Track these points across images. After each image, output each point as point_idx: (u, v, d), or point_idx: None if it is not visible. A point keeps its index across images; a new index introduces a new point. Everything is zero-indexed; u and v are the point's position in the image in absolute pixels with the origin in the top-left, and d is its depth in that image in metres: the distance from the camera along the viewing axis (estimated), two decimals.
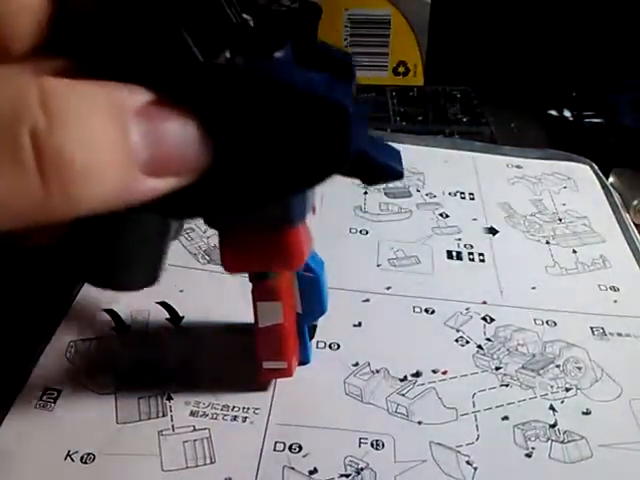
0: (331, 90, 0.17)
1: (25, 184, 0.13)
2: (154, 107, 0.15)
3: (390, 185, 0.39)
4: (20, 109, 0.13)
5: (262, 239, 0.21)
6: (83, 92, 0.14)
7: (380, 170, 0.20)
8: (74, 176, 0.14)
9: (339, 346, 0.28)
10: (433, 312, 0.30)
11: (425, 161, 0.41)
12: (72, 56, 0.18)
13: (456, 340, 0.29)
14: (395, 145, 0.45)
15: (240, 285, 0.25)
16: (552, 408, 0.26)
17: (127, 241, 0.19)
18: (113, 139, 0.14)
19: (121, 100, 0.15)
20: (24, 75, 0.14)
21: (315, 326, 0.26)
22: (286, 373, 0.26)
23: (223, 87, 0.16)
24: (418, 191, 0.38)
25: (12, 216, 0.14)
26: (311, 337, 0.26)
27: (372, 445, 0.24)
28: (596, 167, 0.41)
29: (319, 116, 0.17)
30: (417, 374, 0.27)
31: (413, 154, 0.41)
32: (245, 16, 0.19)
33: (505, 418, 0.25)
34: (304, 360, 0.27)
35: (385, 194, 0.38)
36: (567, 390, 0.27)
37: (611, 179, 0.40)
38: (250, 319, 0.24)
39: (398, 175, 0.20)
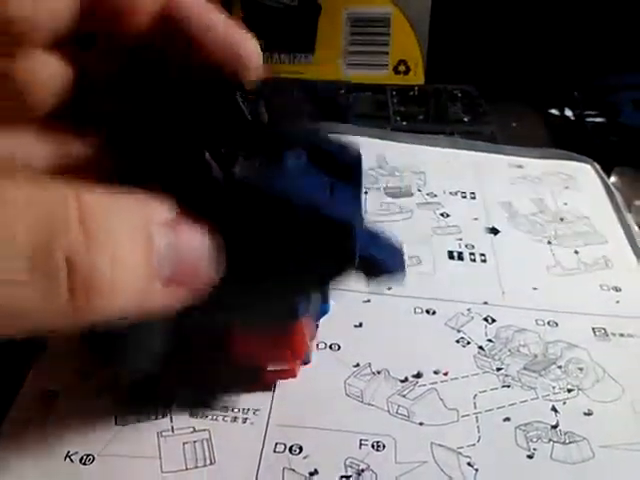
0: (337, 204, 0.18)
1: (54, 297, 0.14)
2: (178, 223, 0.16)
3: (390, 184, 0.39)
4: (59, 226, 0.14)
5: (267, 334, 0.22)
6: (117, 208, 0.15)
7: (380, 269, 0.21)
8: (101, 292, 0.14)
9: (340, 347, 0.28)
10: (434, 313, 0.30)
11: (426, 160, 0.41)
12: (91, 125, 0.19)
13: (457, 341, 0.29)
14: (395, 144, 0.45)
15: None
16: (554, 409, 0.26)
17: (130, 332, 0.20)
18: (140, 257, 0.15)
19: (150, 216, 0.15)
20: (62, 186, 0.15)
21: (317, 326, 0.26)
22: (290, 374, 0.26)
23: (238, 201, 0.17)
24: (419, 190, 0.38)
25: (32, 324, 0.14)
26: (312, 337, 0.26)
27: (373, 446, 0.24)
28: (598, 166, 0.41)
29: (326, 231, 0.18)
30: (418, 375, 0.27)
31: (414, 153, 0.41)
32: (259, 110, 0.20)
33: (507, 419, 0.25)
34: (305, 360, 0.27)
35: (386, 194, 0.38)
36: (569, 391, 0.27)
37: (613, 178, 0.40)
38: None
39: (398, 274, 0.22)
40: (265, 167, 0.18)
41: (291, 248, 0.18)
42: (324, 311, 0.25)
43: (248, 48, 0.20)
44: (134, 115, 0.20)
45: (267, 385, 0.26)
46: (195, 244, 0.16)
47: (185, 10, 0.19)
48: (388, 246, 0.22)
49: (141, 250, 0.15)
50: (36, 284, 0.14)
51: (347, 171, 0.21)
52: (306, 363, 0.27)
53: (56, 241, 0.14)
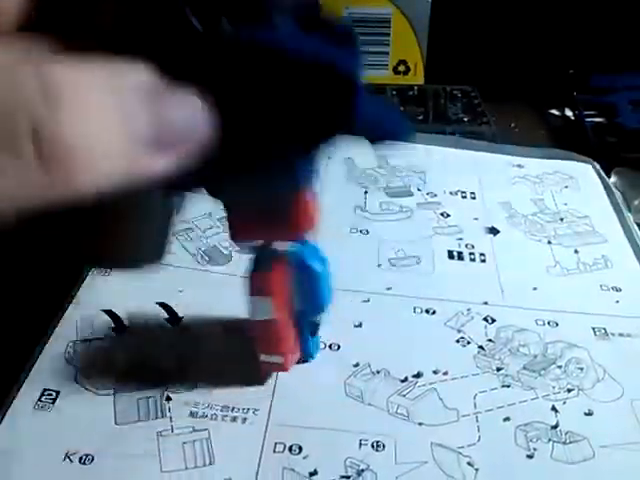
0: (338, 57, 0.17)
1: (27, 173, 0.13)
2: (156, 83, 0.15)
3: (391, 184, 0.39)
4: (19, 98, 0.13)
5: (269, 206, 0.21)
6: (81, 73, 0.14)
7: (383, 129, 0.20)
8: (76, 160, 0.14)
9: (339, 347, 0.28)
10: (434, 313, 0.30)
11: (426, 160, 0.41)
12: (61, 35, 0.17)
13: (457, 341, 0.29)
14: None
15: (239, 286, 0.24)
16: (554, 409, 0.26)
17: (131, 217, 0.19)
18: (114, 120, 0.14)
19: (121, 78, 0.14)
20: (22, 61, 0.14)
21: (317, 324, 0.26)
22: (282, 368, 0.25)
23: (225, 58, 0.16)
24: (419, 190, 0.38)
25: (20, 204, 0.14)
26: (313, 333, 0.26)
27: (373, 446, 0.24)
28: (598, 166, 0.41)
29: (327, 84, 0.17)
30: (418, 375, 0.27)
31: (414, 152, 0.41)
32: None
33: (506, 419, 0.25)
34: (308, 355, 0.27)
35: (386, 193, 0.38)
36: (569, 391, 0.27)
37: (612, 179, 0.40)
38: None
39: (403, 133, 0.20)
40: (254, 28, 0.16)
41: (289, 103, 0.17)
42: (321, 308, 0.25)
43: None
44: None
45: (262, 377, 0.26)
46: (179, 104, 0.15)
47: None
48: (386, 107, 0.21)
49: (115, 115, 0.14)
50: (5, 163, 0.13)
51: (340, 37, 0.19)
52: (306, 361, 0.27)
53: (16, 114, 0.13)
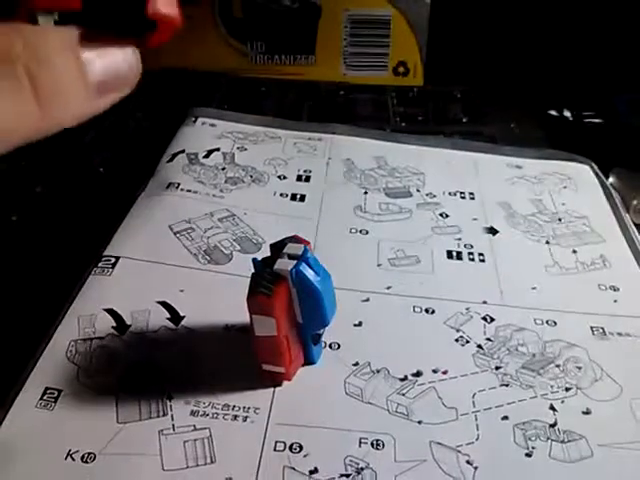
0: None
1: (25, 107, 0.16)
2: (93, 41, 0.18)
3: (390, 185, 0.39)
4: (11, 53, 0.16)
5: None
6: (49, 34, 0.17)
7: None
8: (61, 99, 0.17)
9: (339, 346, 0.28)
10: (433, 312, 0.30)
11: (425, 161, 0.41)
12: None
13: (456, 340, 0.29)
14: (395, 145, 0.46)
15: (240, 285, 0.25)
16: (552, 408, 0.26)
17: None
18: (76, 71, 0.17)
19: (73, 39, 0.17)
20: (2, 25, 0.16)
21: (319, 335, 0.27)
22: (284, 377, 0.26)
23: None
24: (418, 191, 0.38)
25: (17, 138, 0.16)
26: (315, 342, 0.27)
27: (372, 445, 0.24)
28: (596, 167, 0.41)
29: None
30: (417, 374, 0.27)
31: (413, 154, 0.42)
32: None
33: (505, 418, 0.25)
34: (310, 361, 0.27)
35: (385, 194, 0.38)
36: (567, 390, 0.27)
37: (611, 179, 0.40)
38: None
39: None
40: None
41: None
42: (324, 323, 0.25)
43: None
44: None
45: (265, 380, 0.26)
46: (116, 59, 0.18)
47: None
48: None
49: (77, 68, 0.17)
50: (7, 100, 0.15)
51: None
52: (311, 363, 0.27)
53: (14, 64, 0.16)
